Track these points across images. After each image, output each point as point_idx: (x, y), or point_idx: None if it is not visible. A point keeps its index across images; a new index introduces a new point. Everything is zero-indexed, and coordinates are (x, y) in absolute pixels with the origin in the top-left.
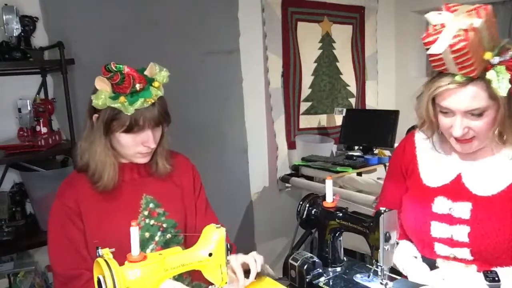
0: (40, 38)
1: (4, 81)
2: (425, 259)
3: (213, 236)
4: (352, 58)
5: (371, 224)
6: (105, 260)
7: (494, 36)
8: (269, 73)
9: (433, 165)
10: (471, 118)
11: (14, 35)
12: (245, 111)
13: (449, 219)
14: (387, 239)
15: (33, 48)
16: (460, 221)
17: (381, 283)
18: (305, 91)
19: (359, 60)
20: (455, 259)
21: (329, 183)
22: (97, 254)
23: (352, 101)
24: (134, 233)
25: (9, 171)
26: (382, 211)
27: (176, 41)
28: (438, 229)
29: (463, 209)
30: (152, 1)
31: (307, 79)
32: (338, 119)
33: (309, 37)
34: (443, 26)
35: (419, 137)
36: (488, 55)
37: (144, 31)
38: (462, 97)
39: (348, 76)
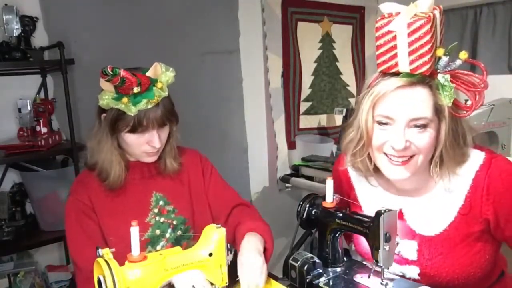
0: (40, 38)
1: (4, 81)
2: None
3: (213, 236)
4: (352, 58)
5: (371, 224)
6: (105, 260)
7: (441, 40)
8: (269, 73)
9: (373, 199)
10: (414, 131)
11: (14, 35)
12: (245, 111)
13: (399, 259)
14: (387, 239)
15: (33, 48)
16: (408, 262)
17: (381, 283)
18: (305, 91)
19: (359, 60)
20: None
21: (329, 183)
22: (97, 254)
23: (352, 101)
24: (134, 233)
25: (9, 171)
26: (382, 211)
27: (176, 41)
28: (390, 268)
29: (409, 250)
30: (152, 1)
31: (307, 79)
32: (338, 119)
33: (309, 37)
34: (398, 14)
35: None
36: (440, 52)
37: (144, 31)
38: (408, 102)
39: (348, 76)
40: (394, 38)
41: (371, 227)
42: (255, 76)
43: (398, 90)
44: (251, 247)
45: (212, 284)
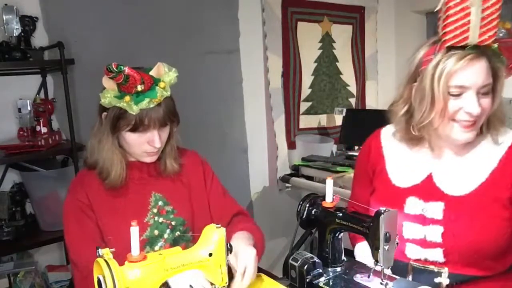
0: (40, 38)
1: (4, 81)
2: (395, 262)
3: (213, 236)
4: (352, 58)
5: (371, 224)
6: (105, 260)
7: None
8: (269, 73)
9: (402, 165)
10: (480, 96)
11: (14, 35)
12: (245, 111)
13: (422, 220)
14: (387, 239)
15: (33, 48)
16: (433, 221)
17: (381, 283)
18: (305, 91)
19: (359, 60)
20: (426, 262)
21: (329, 183)
22: (97, 254)
23: (352, 101)
24: (134, 233)
25: (9, 171)
26: (382, 211)
27: (176, 41)
28: (410, 230)
29: (435, 209)
30: (152, 1)
31: (307, 79)
32: (338, 119)
33: (309, 37)
34: None
35: (386, 136)
36: (501, 23)
37: (144, 31)
38: (478, 71)
39: (348, 76)
40: (468, 14)
41: (371, 227)
42: (255, 76)
43: (470, 62)
44: (242, 241)
45: (212, 284)
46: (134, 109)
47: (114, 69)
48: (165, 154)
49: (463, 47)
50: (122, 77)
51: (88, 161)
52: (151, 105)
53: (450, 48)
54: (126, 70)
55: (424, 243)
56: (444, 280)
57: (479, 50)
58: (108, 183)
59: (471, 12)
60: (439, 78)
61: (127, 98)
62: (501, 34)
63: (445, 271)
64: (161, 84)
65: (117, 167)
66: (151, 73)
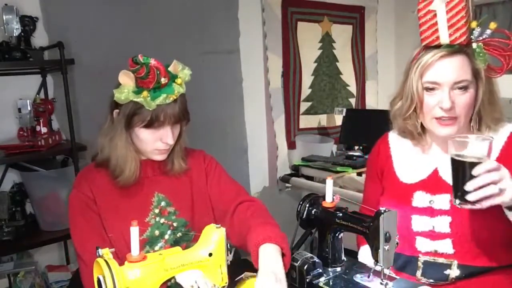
0: (40, 38)
1: (4, 81)
2: (406, 257)
3: (213, 236)
4: (352, 58)
5: (371, 224)
6: (105, 260)
7: (472, 14)
8: (269, 73)
9: (409, 163)
10: (457, 92)
11: (14, 35)
12: (245, 111)
13: (430, 212)
14: (387, 239)
15: (33, 48)
16: (441, 212)
17: (381, 283)
18: (305, 91)
19: (359, 60)
20: (436, 254)
21: (329, 183)
22: (97, 254)
23: (352, 101)
24: (134, 233)
25: (9, 171)
26: (382, 211)
27: (176, 41)
28: (419, 223)
29: (443, 201)
30: (152, 1)
31: (307, 79)
32: (338, 119)
33: (309, 37)
34: None
35: (393, 137)
36: (474, 24)
37: (144, 31)
38: (451, 68)
39: (348, 76)
40: (435, 16)
41: (371, 227)
42: (255, 76)
43: (441, 59)
44: (268, 269)
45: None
46: (151, 105)
47: (140, 60)
48: (173, 153)
49: (439, 46)
50: (144, 71)
51: (98, 159)
52: (168, 101)
53: (428, 48)
54: (152, 61)
55: (433, 235)
56: (454, 271)
57: (455, 49)
58: (121, 181)
59: (437, 14)
60: (415, 73)
61: (145, 93)
62: (486, 35)
63: (455, 263)
64: (178, 80)
65: (131, 165)
66: (169, 69)
